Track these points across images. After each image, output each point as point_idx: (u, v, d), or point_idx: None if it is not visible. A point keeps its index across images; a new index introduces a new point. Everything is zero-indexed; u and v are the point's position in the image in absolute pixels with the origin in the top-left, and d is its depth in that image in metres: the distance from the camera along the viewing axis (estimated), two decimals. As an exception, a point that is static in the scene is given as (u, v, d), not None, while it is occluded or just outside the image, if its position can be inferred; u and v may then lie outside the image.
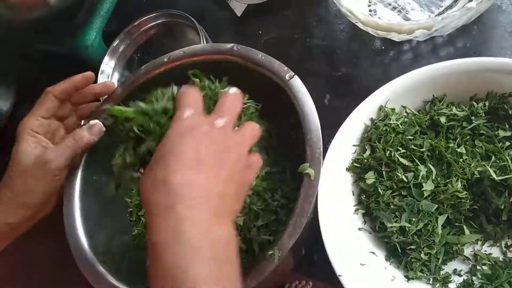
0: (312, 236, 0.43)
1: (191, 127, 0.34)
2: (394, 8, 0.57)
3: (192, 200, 0.31)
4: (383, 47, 0.56)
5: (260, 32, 0.64)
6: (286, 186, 0.47)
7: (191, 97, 0.36)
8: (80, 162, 0.48)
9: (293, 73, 0.43)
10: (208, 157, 0.32)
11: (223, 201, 0.32)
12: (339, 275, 0.39)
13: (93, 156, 0.48)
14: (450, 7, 0.54)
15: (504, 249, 0.43)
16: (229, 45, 0.47)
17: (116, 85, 0.51)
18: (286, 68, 0.44)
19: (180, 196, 0.30)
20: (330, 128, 0.52)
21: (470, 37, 0.53)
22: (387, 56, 0.56)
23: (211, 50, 0.48)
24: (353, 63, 0.57)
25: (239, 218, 0.43)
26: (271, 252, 0.37)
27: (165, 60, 0.50)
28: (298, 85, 0.43)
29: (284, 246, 0.37)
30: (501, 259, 0.43)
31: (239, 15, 0.65)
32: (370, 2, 0.58)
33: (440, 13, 0.54)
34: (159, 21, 0.66)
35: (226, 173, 0.33)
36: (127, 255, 0.48)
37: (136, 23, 0.66)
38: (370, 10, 0.57)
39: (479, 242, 0.44)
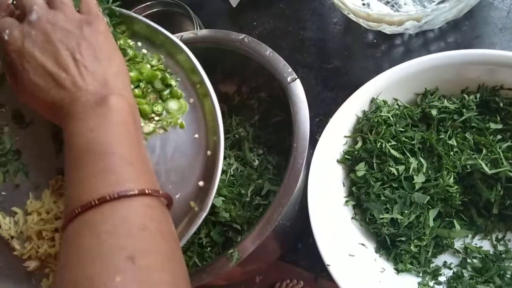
0: (299, 225, 0.43)
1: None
2: (387, 2, 0.56)
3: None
4: (375, 41, 0.56)
5: (254, 23, 0.64)
6: (268, 184, 0.46)
7: None
8: None
9: (296, 77, 0.42)
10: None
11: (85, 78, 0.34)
12: (328, 265, 0.39)
13: None
14: (442, 2, 0.54)
15: (495, 242, 0.43)
16: (241, 36, 0.46)
17: None
18: (290, 70, 0.43)
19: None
20: (320, 120, 0.52)
21: (461, 33, 0.53)
22: (379, 50, 0.56)
23: (223, 37, 0.48)
24: (345, 56, 0.57)
25: (216, 200, 0.41)
26: (231, 251, 0.37)
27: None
28: (297, 89, 0.42)
29: (245, 250, 0.36)
30: (491, 252, 0.43)
31: (234, 6, 0.65)
32: (363, -4, 0.58)
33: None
34: (155, 10, 0.65)
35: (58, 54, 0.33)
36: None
37: (131, 11, 0.65)
38: (363, 4, 0.57)
39: (470, 235, 0.44)
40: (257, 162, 0.48)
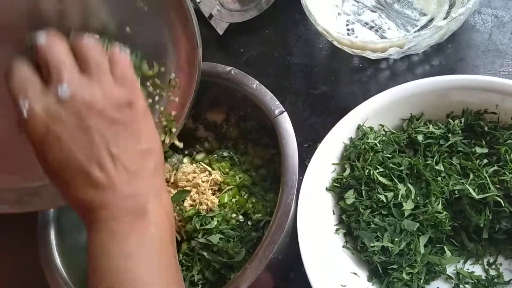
0: (292, 255, 0.42)
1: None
2: (372, 27, 0.57)
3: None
4: (360, 65, 0.57)
5: (241, 50, 0.65)
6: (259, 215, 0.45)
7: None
8: None
9: (283, 109, 0.42)
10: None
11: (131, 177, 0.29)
12: (319, 298, 0.38)
13: None
14: (425, 26, 0.55)
15: (486, 267, 0.43)
16: (227, 68, 0.46)
17: None
18: (277, 102, 0.43)
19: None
20: (308, 145, 0.52)
21: (445, 56, 0.54)
22: (365, 74, 0.56)
23: (209, 70, 0.48)
24: (332, 81, 0.57)
25: (213, 237, 0.41)
26: None
27: None
28: (285, 122, 0.42)
29: None
30: (483, 277, 0.42)
31: (221, 34, 0.65)
32: (348, 21, 0.59)
33: (416, 32, 0.55)
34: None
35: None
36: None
37: None
38: (348, 29, 0.58)
39: (461, 260, 0.43)
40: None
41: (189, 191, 0.45)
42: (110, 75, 0.30)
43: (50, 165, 0.28)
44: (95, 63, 0.29)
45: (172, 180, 0.48)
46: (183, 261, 0.42)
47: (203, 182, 0.45)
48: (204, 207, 0.43)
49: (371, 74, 0.56)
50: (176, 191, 0.46)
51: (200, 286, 0.41)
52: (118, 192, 0.28)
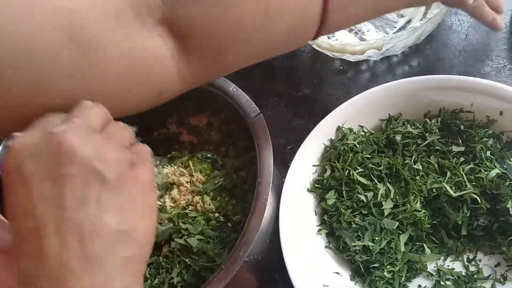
0: (275, 256, 0.43)
1: None
2: (351, 30, 0.58)
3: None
4: (341, 67, 0.58)
5: (224, 54, 0.65)
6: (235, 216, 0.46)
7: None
8: None
9: (259, 111, 0.43)
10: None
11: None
12: (301, 298, 0.38)
13: None
14: (403, 27, 0.56)
15: (466, 263, 0.44)
16: None
17: None
18: (253, 105, 0.44)
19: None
20: (291, 147, 0.53)
21: (423, 56, 0.55)
22: (346, 76, 0.57)
23: None
24: (314, 83, 0.58)
25: (191, 240, 0.41)
26: None
27: None
28: (261, 124, 0.43)
29: None
30: (463, 273, 0.43)
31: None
32: (328, 24, 0.59)
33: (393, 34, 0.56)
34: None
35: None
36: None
37: None
38: (328, 32, 0.59)
39: (442, 257, 0.44)
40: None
41: (172, 184, 0.45)
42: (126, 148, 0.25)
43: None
44: (116, 136, 0.24)
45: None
46: (163, 263, 0.42)
47: (186, 182, 0.45)
48: (187, 206, 0.44)
49: (352, 76, 0.57)
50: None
51: None
52: (70, 281, 0.21)
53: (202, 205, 0.43)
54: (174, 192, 0.45)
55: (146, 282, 0.42)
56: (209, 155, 0.48)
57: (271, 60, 0.62)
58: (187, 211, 0.43)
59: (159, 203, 0.45)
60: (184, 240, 0.41)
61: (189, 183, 0.45)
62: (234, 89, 0.44)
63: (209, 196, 0.44)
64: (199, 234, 0.42)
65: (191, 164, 0.47)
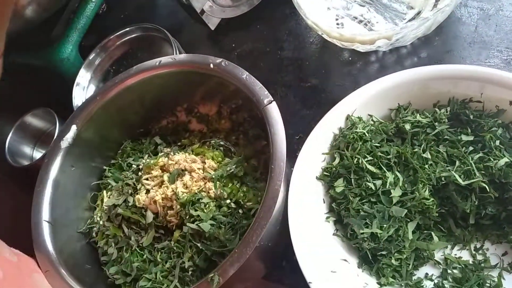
0: (283, 243, 0.43)
1: None
2: (360, 21, 0.58)
3: None
4: (350, 58, 0.58)
5: (233, 45, 0.66)
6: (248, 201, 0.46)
7: None
8: (60, 150, 0.48)
9: (272, 99, 0.43)
10: None
11: None
12: (309, 282, 0.39)
13: (75, 146, 0.49)
14: (413, 19, 0.56)
15: (474, 252, 0.44)
16: (218, 60, 0.47)
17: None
18: (266, 92, 0.44)
19: None
20: (300, 137, 0.53)
21: (433, 48, 0.55)
22: (355, 67, 0.57)
23: (201, 61, 0.49)
24: (322, 74, 0.58)
25: (204, 225, 0.42)
26: (211, 275, 0.37)
27: (156, 64, 0.50)
28: (273, 112, 0.43)
29: (225, 273, 0.36)
30: (470, 262, 0.43)
31: (213, 29, 0.66)
32: (337, 16, 0.60)
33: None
34: (134, 35, 0.67)
35: None
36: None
37: (112, 36, 0.67)
38: (337, 24, 0.59)
39: (449, 246, 0.44)
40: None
41: (183, 171, 0.46)
42: None
43: None
44: None
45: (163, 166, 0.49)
46: (175, 248, 0.43)
47: (198, 169, 0.46)
48: (199, 193, 0.44)
49: (360, 67, 0.57)
50: (168, 174, 0.46)
51: (190, 272, 0.42)
52: None
53: (214, 191, 0.44)
54: (186, 178, 0.45)
55: (157, 266, 0.43)
56: (221, 143, 0.49)
57: (279, 52, 0.63)
58: (199, 196, 0.44)
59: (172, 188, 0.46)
60: (197, 225, 0.41)
61: (201, 170, 0.46)
62: (247, 77, 0.44)
63: (221, 183, 0.44)
64: (211, 219, 0.42)
65: (204, 150, 0.48)
